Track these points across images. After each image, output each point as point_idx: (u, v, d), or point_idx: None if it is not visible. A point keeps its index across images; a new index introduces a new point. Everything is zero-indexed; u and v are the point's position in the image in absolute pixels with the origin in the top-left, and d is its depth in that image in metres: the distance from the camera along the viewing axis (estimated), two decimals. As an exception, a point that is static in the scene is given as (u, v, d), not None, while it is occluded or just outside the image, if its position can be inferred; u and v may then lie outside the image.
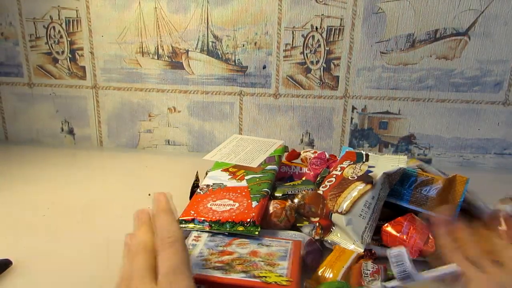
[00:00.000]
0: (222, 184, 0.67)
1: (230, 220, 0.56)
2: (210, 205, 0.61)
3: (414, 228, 0.56)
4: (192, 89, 0.94)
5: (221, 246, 0.51)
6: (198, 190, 0.66)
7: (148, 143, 0.99)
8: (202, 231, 0.56)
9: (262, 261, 0.49)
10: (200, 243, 0.52)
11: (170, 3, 0.89)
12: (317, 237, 0.58)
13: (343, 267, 0.51)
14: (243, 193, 0.63)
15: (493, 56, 0.84)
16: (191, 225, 0.57)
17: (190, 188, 0.70)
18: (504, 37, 0.83)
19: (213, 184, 0.67)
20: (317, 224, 0.60)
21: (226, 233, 0.55)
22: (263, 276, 0.46)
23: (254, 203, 0.59)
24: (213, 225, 0.56)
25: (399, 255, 0.41)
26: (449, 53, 0.85)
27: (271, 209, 0.61)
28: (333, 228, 0.59)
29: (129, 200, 0.73)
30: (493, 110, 0.87)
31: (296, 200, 0.62)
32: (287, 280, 0.45)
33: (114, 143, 1.00)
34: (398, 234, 0.56)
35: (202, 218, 0.57)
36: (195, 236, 0.54)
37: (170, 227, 0.38)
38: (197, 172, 0.74)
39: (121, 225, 0.65)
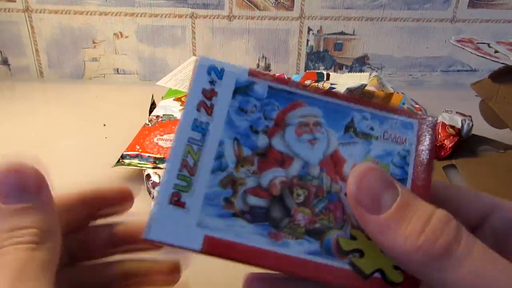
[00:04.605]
0: (172, 115, 0.65)
1: None
2: (157, 139, 0.59)
3: None
4: (139, 12, 0.87)
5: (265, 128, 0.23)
6: (147, 122, 0.64)
7: (95, 73, 0.93)
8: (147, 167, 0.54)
9: None
10: (220, 112, 0.23)
11: None
12: None
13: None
14: None
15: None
16: (135, 161, 0.55)
17: (148, 112, 0.68)
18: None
19: (163, 115, 0.65)
20: None
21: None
22: (354, 261, 0.20)
23: None
24: (157, 161, 0.55)
25: None
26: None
27: None
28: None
29: (82, 132, 0.69)
30: (441, 27, 0.90)
31: None
32: (400, 273, 0.20)
33: (57, 74, 0.92)
34: None
35: (147, 154, 0.56)
36: (207, 109, 0.23)
37: None
38: (152, 95, 0.71)
39: (73, 155, 0.62)
